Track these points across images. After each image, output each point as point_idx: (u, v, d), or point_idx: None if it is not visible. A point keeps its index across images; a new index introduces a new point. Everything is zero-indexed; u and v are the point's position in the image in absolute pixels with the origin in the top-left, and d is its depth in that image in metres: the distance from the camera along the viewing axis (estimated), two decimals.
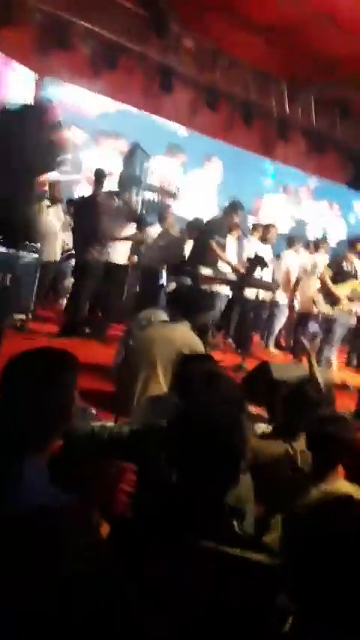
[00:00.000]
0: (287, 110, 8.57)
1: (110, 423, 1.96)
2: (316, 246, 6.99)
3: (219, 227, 5.90)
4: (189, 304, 3.05)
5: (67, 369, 1.31)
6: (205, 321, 3.06)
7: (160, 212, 6.86)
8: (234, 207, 6.11)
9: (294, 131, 9.18)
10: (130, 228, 6.09)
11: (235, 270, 5.92)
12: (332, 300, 5.88)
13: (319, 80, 8.46)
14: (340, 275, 5.90)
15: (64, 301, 6.30)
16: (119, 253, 5.94)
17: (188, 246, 6.21)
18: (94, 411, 2.19)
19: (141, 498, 1.18)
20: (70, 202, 6.89)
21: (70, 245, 6.39)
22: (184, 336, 2.96)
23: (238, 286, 5.77)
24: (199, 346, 2.95)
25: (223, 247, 5.76)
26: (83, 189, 7.56)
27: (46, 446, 1.24)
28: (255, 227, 6.98)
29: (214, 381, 1.64)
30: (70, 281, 6.31)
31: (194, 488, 1.14)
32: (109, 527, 1.19)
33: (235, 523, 1.16)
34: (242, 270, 6.01)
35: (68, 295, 6.09)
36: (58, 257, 6.35)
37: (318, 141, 9.42)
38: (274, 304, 6.72)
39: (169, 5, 6.37)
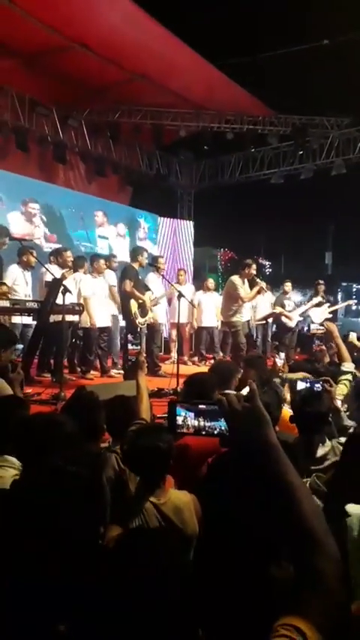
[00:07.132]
0: (61, 135, 8.64)
1: None
2: (107, 262, 7.12)
3: None
4: None
5: None
6: (5, 360, 2.78)
7: None
8: None
9: (72, 155, 9.29)
10: None
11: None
12: (144, 311, 6.38)
13: (86, 106, 8.75)
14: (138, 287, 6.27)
15: None
16: None
17: None
18: None
19: None
20: None
21: None
22: None
23: (40, 313, 5.54)
24: (5, 389, 2.69)
25: None
26: None
27: None
28: (53, 253, 6.82)
29: None
30: None
31: None
32: None
33: None
34: (42, 298, 5.80)
35: None
36: None
37: (97, 165, 9.71)
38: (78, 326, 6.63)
39: None
